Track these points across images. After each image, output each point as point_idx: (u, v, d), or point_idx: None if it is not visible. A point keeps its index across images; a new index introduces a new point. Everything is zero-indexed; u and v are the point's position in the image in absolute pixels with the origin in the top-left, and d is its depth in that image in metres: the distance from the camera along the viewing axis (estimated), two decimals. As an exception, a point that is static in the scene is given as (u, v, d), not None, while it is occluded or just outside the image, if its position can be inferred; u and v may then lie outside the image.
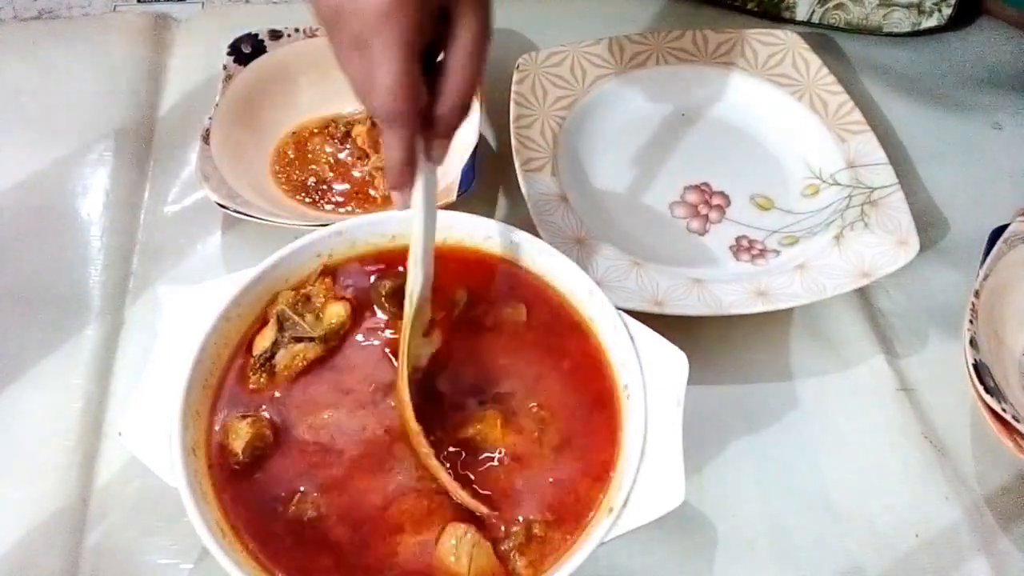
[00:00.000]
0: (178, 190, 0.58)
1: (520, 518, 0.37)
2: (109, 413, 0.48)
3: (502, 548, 0.36)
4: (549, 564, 0.36)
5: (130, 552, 0.43)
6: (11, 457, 0.46)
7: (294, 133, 0.60)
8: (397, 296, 0.43)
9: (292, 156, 0.59)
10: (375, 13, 0.33)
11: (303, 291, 0.43)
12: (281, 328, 0.41)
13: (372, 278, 0.44)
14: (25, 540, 0.43)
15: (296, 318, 0.41)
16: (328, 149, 0.59)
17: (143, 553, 0.43)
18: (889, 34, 0.71)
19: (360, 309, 0.43)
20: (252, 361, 0.41)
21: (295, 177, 0.58)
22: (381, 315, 0.43)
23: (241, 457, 0.38)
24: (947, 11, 0.69)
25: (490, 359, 0.42)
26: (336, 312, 0.42)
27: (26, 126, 0.61)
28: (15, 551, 0.43)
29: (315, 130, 0.60)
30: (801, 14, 0.71)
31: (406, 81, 0.34)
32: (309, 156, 0.59)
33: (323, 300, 0.43)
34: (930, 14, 0.70)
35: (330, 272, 0.44)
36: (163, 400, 0.38)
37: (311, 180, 0.58)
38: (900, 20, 0.70)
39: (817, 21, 0.71)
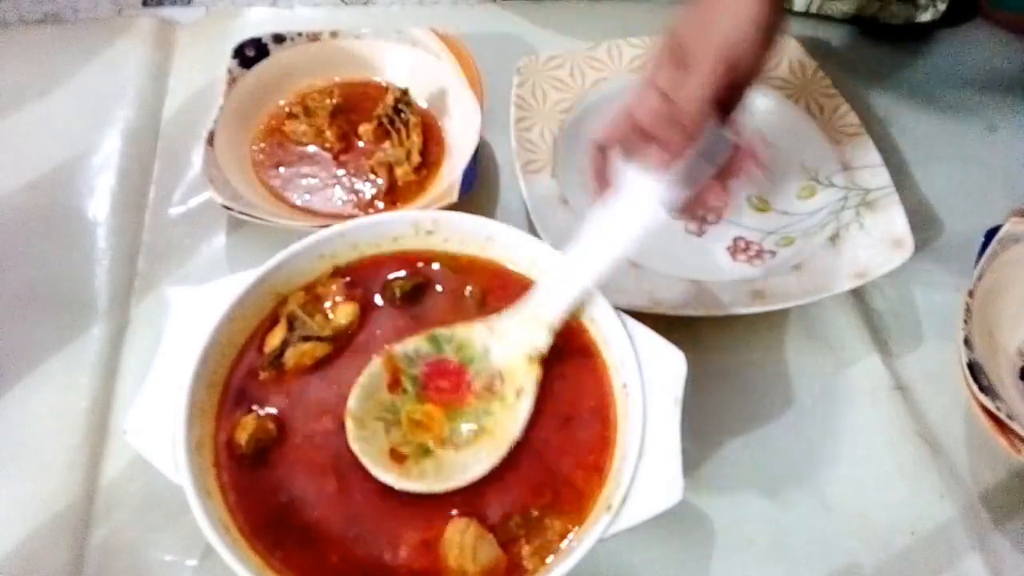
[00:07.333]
0: (183, 191, 0.59)
1: (515, 507, 0.38)
2: (114, 412, 0.49)
3: (504, 537, 0.37)
4: (552, 551, 0.37)
5: (135, 549, 0.44)
6: (18, 455, 0.47)
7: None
8: (411, 297, 0.44)
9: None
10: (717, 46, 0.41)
11: (314, 292, 0.43)
12: (291, 327, 0.42)
13: (384, 279, 0.45)
14: (31, 537, 0.44)
15: (306, 318, 0.42)
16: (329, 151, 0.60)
17: (148, 550, 0.44)
18: (886, 26, 0.71)
19: (370, 309, 0.44)
20: (262, 359, 0.41)
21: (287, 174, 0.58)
22: (393, 316, 0.44)
23: (244, 448, 0.38)
24: (942, 6, 0.70)
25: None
26: (345, 312, 0.43)
27: (32, 128, 0.62)
28: (22, 548, 0.44)
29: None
30: (799, 5, 0.72)
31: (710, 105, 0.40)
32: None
33: (333, 301, 0.43)
34: (925, 8, 0.70)
35: (341, 273, 0.45)
36: (168, 399, 0.38)
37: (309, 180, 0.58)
38: (896, 13, 0.71)
39: (815, 11, 0.72)
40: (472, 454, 0.39)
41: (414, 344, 0.41)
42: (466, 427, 0.40)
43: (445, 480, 0.38)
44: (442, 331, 0.42)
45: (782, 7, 0.43)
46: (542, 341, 0.41)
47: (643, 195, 0.41)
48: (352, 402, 0.40)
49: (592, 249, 0.41)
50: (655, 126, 0.42)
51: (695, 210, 0.42)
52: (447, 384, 0.41)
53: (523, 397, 0.40)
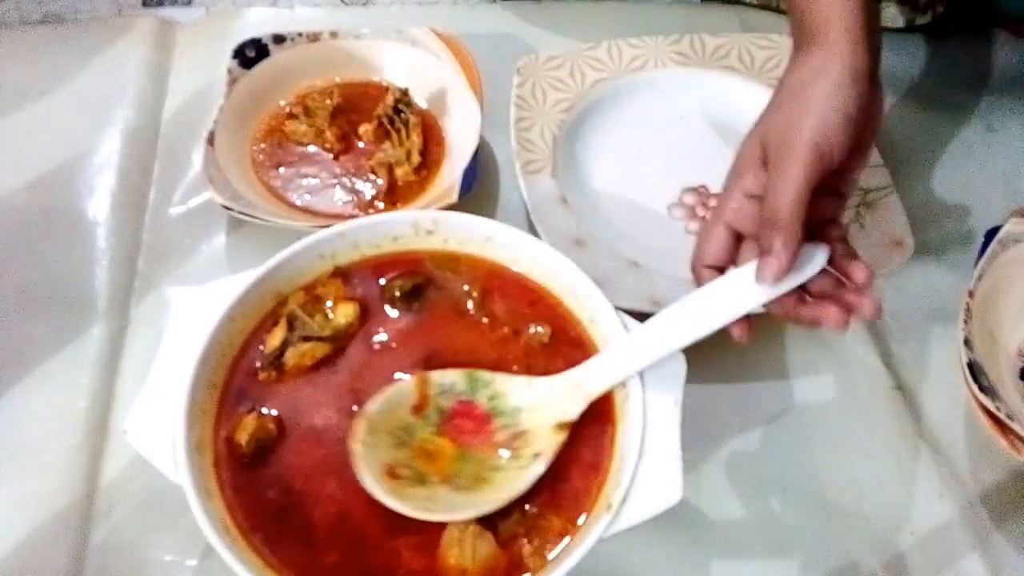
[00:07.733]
0: (183, 191, 0.59)
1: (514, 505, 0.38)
2: (114, 412, 0.49)
3: (504, 536, 0.37)
4: (552, 551, 0.37)
5: (135, 549, 0.44)
6: (18, 455, 0.47)
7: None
8: (411, 297, 0.44)
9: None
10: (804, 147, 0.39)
11: (314, 292, 0.44)
12: (291, 328, 0.42)
13: (384, 279, 0.45)
14: (31, 537, 0.44)
15: (306, 318, 0.42)
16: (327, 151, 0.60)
17: (148, 550, 0.44)
18: (884, 29, 0.71)
19: (369, 310, 0.44)
20: (262, 359, 0.42)
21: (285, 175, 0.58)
22: (392, 315, 0.44)
23: (244, 448, 0.38)
24: (940, 8, 0.70)
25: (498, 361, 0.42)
26: (345, 312, 0.43)
27: (32, 128, 0.62)
28: (22, 548, 0.44)
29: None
30: None
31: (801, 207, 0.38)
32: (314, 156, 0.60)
33: (333, 301, 0.43)
34: (924, 11, 0.70)
35: (341, 273, 0.45)
36: (168, 399, 0.38)
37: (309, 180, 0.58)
38: (895, 16, 0.71)
39: None
40: (466, 499, 0.38)
41: (452, 377, 0.41)
42: (472, 473, 0.39)
43: (429, 511, 0.37)
44: (483, 374, 0.41)
45: (877, 95, 0.41)
46: (575, 411, 0.39)
47: (734, 294, 0.39)
48: (371, 407, 0.39)
49: (665, 333, 0.39)
50: (751, 229, 0.41)
51: (802, 317, 0.40)
52: (470, 426, 0.40)
53: (539, 461, 0.39)
